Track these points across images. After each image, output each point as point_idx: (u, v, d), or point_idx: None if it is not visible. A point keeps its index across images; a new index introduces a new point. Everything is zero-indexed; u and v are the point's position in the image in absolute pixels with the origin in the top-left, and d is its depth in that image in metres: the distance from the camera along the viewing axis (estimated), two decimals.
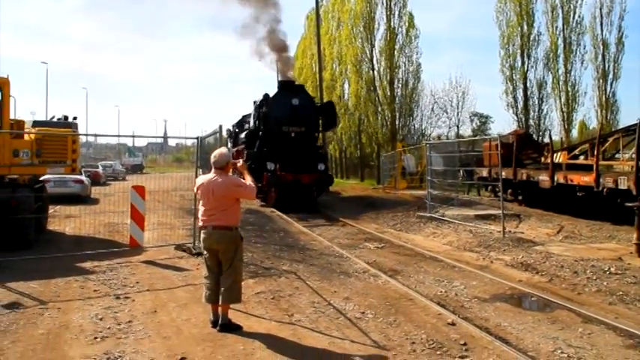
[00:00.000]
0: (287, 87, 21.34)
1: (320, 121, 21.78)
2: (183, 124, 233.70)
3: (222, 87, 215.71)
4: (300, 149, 20.05)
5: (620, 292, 7.61)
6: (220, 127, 9.68)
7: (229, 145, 28.35)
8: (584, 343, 5.65)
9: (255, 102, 23.72)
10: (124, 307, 6.34)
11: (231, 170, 6.14)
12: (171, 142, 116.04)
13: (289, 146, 19.87)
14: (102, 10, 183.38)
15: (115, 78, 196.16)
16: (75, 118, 15.63)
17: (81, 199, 19.62)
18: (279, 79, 24.10)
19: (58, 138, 12.46)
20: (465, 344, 5.38)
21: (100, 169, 32.02)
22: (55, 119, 15.61)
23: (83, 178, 20.72)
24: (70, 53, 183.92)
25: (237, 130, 27.76)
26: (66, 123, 14.99)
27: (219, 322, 5.59)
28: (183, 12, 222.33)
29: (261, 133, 20.66)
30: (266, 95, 20.63)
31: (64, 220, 13.77)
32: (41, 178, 11.32)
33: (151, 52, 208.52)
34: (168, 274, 8.13)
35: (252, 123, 22.11)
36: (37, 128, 13.35)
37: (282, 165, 19.16)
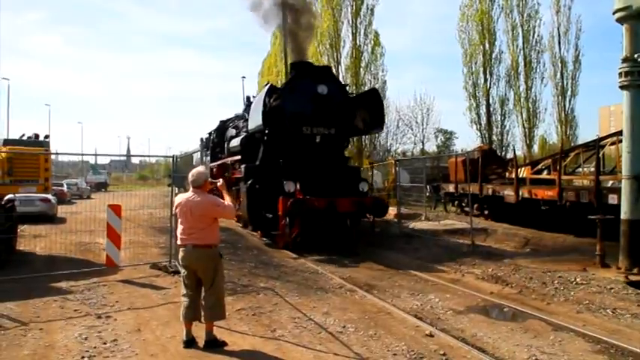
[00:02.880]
0: (308, 69, 14.57)
1: (356, 119, 15.30)
2: (147, 141, 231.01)
3: (186, 104, 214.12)
4: (329, 160, 14.13)
5: (587, 301, 7.95)
6: (201, 145, 9.70)
7: (207, 158, 23.68)
8: (557, 350, 5.92)
9: (248, 98, 19.48)
10: (107, 327, 6.37)
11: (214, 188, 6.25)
12: (134, 160, 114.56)
13: (313, 156, 13.87)
14: (63, 25, 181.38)
15: (77, 94, 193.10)
16: (47, 137, 15.50)
17: (48, 218, 19.30)
18: (292, 59, 16.13)
19: (30, 157, 12.36)
20: (444, 354, 5.61)
21: (64, 188, 31.46)
22: (25, 137, 15.44)
23: (50, 196, 20.37)
24: (31, 69, 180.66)
25: (216, 140, 22.21)
26: (37, 142, 14.85)
27: (205, 338, 5.68)
28: (147, 28, 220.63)
29: (266, 137, 14.45)
30: (272, 86, 14.94)
31: (33, 240, 13.57)
32: (6, 198, 11.16)
33: (113, 68, 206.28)
34: (147, 293, 8.15)
35: (250, 124, 15.02)
36: (8, 147, 13.22)
37: (303, 184, 12.98)
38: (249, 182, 13.25)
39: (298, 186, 12.90)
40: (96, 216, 13.33)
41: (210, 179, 6.34)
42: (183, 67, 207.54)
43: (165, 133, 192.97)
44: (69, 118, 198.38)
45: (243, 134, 16.71)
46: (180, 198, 6.05)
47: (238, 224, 16.89)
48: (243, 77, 45.54)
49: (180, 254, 5.90)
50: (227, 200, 6.14)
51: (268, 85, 14.86)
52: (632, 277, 9.23)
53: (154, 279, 9.15)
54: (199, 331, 5.78)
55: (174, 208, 6.57)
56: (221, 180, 7.01)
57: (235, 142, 17.06)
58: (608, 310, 7.53)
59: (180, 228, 5.91)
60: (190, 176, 5.95)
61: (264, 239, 14.26)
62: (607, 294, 8.39)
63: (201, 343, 5.69)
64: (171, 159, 11.59)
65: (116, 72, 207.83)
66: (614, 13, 10.35)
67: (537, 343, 6.13)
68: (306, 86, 14.00)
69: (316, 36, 37.93)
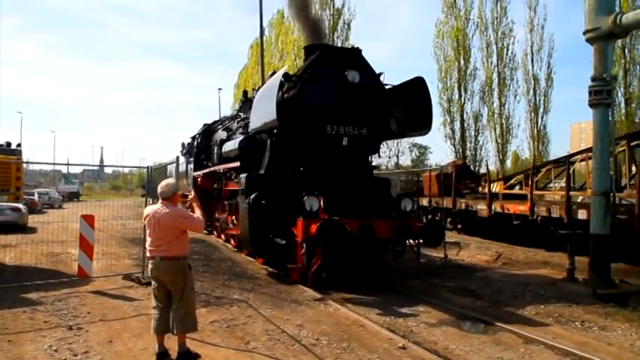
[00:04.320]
0: (332, 52, 11.52)
1: (394, 118, 12.29)
2: (121, 151, 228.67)
3: (161, 114, 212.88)
4: (356, 169, 11.41)
5: (557, 314, 8.10)
6: (177, 157, 9.69)
7: (190, 166, 20.70)
8: None
9: (245, 92, 17.30)
10: (77, 338, 6.29)
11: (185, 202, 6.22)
12: (108, 169, 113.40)
13: (337, 164, 11.02)
14: (40, 32, 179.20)
15: (51, 102, 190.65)
16: (19, 145, 15.28)
17: (18, 227, 18.95)
18: (306, 42, 12.54)
19: (2, 165, 12.18)
20: None
21: (35, 197, 30.96)
22: None
23: (20, 206, 20.02)
24: (5, 75, 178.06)
25: (201, 145, 19.28)
26: (9, 150, 14.62)
27: (178, 350, 5.64)
28: (125, 37, 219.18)
29: (274, 139, 11.37)
30: (286, 73, 11.20)
31: (3, 250, 13.33)
32: None
33: (89, 77, 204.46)
34: (119, 304, 8.06)
35: (254, 123, 11.65)
36: None
37: (326, 201, 9.94)
38: (253, 197, 10.17)
39: (321, 203, 9.84)
40: (68, 226, 13.17)
41: (181, 192, 6.35)
42: (158, 78, 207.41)
43: (139, 143, 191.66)
44: (42, 126, 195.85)
45: (238, 136, 13.88)
46: (149, 210, 6.01)
47: (225, 243, 15.44)
48: (220, 89, 45.93)
49: (149, 266, 5.86)
50: (197, 213, 6.14)
51: (282, 70, 11.36)
52: (600, 291, 9.42)
53: (126, 290, 9.06)
54: (172, 344, 5.73)
55: (142, 220, 6.52)
56: (192, 192, 7.02)
57: (231, 146, 13.64)
58: (577, 323, 7.68)
59: (148, 240, 5.87)
60: (159, 188, 5.92)
61: (266, 267, 11.63)
62: (576, 307, 8.57)
63: (174, 355, 5.64)
64: (145, 169, 11.45)
65: (91, 81, 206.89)
66: (584, 34, 10.64)
67: (508, 356, 6.22)
68: (331, 72, 10.88)
69: (294, 50, 38.21)
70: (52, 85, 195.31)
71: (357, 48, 11.43)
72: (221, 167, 14.87)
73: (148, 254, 5.90)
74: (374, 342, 6.55)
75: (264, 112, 10.74)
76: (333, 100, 10.79)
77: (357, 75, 10.74)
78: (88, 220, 9.59)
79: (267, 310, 7.96)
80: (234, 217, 13.79)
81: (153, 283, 5.89)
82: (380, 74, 11.63)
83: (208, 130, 19.31)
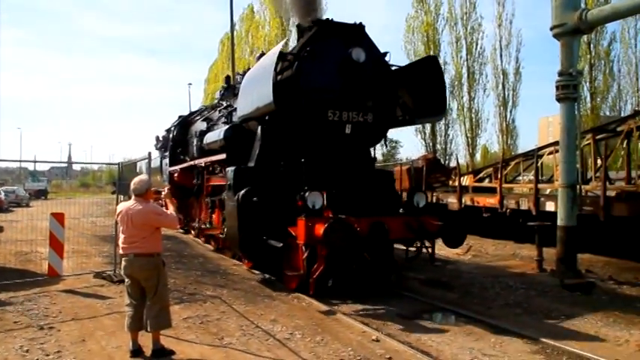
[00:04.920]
0: (333, 27, 9.79)
1: (401, 102, 10.93)
2: (89, 147, 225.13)
3: (130, 110, 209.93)
4: (359, 161, 10.31)
5: (526, 305, 8.31)
6: (149, 154, 9.60)
7: (165, 161, 19.04)
8: (497, 352, 6.16)
9: (227, 78, 16.28)
10: (49, 338, 6.22)
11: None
12: (76, 167, 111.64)
13: (339, 154, 9.81)
14: (2, 26, 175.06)
15: (17, 98, 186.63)
16: None
17: None
18: (299, 19, 10.69)
19: None
20: (390, 358, 5.75)
21: (1, 195, 30.36)
22: None
23: None
24: None
25: (177, 138, 17.87)
26: None
27: (152, 347, 5.63)
28: (92, 31, 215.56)
29: (265, 127, 9.95)
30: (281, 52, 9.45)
31: None
32: None
33: (55, 72, 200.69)
34: (91, 303, 7.97)
35: (242, 109, 10.36)
36: None
37: (329, 197, 8.79)
38: (243, 192, 9.01)
39: (325, 199, 8.62)
40: (36, 224, 12.94)
41: (155, 188, 6.32)
42: (127, 72, 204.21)
43: (108, 139, 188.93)
44: (7, 122, 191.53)
45: (222, 126, 12.65)
46: (122, 206, 6.00)
47: (205, 245, 14.54)
48: (190, 84, 45.16)
49: (123, 263, 5.84)
50: (170, 209, 6.13)
51: (277, 47, 9.49)
52: (567, 281, 9.66)
53: (98, 288, 8.95)
54: (146, 341, 5.72)
55: (115, 217, 6.48)
56: (167, 189, 6.99)
57: (214, 137, 12.34)
58: (544, 312, 7.87)
59: (121, 237, 5.85)
60: (132, 184, 5.90)
61: (256, 273, 10.53)
62: (544, 297, 8.79)
63: (148, 352, 5.64)
64: (115, 166, 11.30)
65: (58, 76, 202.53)
66: (551, 29, 10.85)
67: (479, 346, 6.35)
68: (332, 50, 9.53)
69: (264, 44, 38.08)
70: (17, 81, 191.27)
71: (361, 23, 9.96)
72: (202, 161, 13.51)
73: (120, 251, 5.87)
74: (347, 335, 6.61)
75: (256, 96, 9.36)
76: (334, 81, 9.46)
77: (363, 53, 9.39)
78: (58, 218, 9.45)
79: (241, 306, 7.95)
80: (214, 216, 13.15)
81: (126, 280, 5.86)
82: (385, 54, 10.24)
83: (185, 122, 18.11)
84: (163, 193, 6.67)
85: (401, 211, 9.65)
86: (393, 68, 10.60)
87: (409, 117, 11.21)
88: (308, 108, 9.32)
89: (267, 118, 9.73)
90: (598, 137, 14.21)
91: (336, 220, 7.92)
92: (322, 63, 9.45)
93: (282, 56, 9.51)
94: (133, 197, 5.87)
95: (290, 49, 10.45)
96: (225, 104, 13.73)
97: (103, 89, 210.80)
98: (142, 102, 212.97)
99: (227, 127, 11.75)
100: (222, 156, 11.45)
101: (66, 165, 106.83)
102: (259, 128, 10.14)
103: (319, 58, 9.44)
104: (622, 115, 28.57)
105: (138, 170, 18.27)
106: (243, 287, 9.37)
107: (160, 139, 20.54)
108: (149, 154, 9.98)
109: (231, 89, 14.46)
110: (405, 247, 9.75)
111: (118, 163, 10.90)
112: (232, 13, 26.86)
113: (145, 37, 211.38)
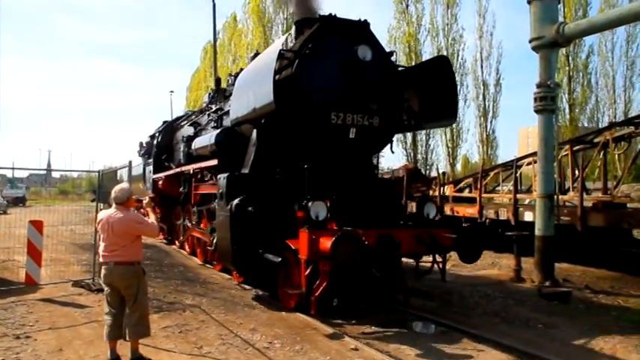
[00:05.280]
0: (336, 24, 9.18)
1: (406, 105, 10.09)
2: (69, 155, 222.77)
3: (111, 117, 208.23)
4: (364, 169, 9.85)
5: (504, 314, 8.38)
6: (130, 162, 9.53)
7: (148, 168, 17.99)
8: None
9: (217, 80, 15.64)
10: (26, 347, 6.13)
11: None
12: (55, 174, 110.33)
13: (342, 161, 9.19)
14: None
15: None
16: None
17: None
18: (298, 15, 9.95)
19: None
20: None
21: None
22: None
23: None
24: None
25: (161, 144, 17.31)
26: None
27: (130, 357, 5.59)
28: (72, 36, 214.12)
29: (261, 130, 9.30)
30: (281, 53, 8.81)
31: None
32: None
33: (34, 78, 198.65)
34: (69, 312, 7.88)
35: (236, 110, 9.71)
36: None
37: (334, 207, 8.00)
38: (237, 202, 8.31)
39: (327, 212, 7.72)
40: (14, 232, 12.77)
41: (136, 196, 6.30)
42: (108, 79, 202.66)
43: (89, 146, 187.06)
44: None
45: (211, 131, 12.10)
46: (102, 214, 5.98)
47: (191, 258, 13.67)
48: (172, 91, 44.95)
49: (102, 272, 5.80)
50: (151, 218, 6.12)
51: (278, 42, 9.48)
52: (545, 290, 9.77)
53: (76, 297, 8.85)
54: (125, 350, 5.67)
55: (95, 225, 6.44)
56: (148, 197, 6.95)
57: (204, 141, 11.56)
58: (523, 321, 7.96)
59: (102, 245, 5.82)
60: (113, 192, 5.90)
61: (247, 288, 9.94)
62: (522, 306, 8.88)
63: None
64: (96, 174, 11.17)
65: (37, 82, 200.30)
66: (530, 42, 11.04)
67: (458, 354, 6.39)
68: (336, 48, 8.88)
69: (247, 53, 38.08)
70: None
71: (366, 20, 9.36)
72: (190, 167, 12.78)
73: (101, 259, 5.83)
74: (326, 344, 6.61)
75: (252, 97, 8.70)
76: (338, 81, 8.79)
77: (369, 51, 8.70)
78: (37, 225, 9.35)
79: (221, 315, 7.92)
80: (201, 226, 12.56)
81: (106, 288, 5.82)
82: (391, 53, 9.74)
83: (170, 128, 17.47)
84: (144, 201, 6.65)
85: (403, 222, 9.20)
86: (400, 69, 10.15)
87: (415, 122, 10.41)
88: (309, 110, 8.61)
89: (263, 121, 8.98)
90: (575, 148, 14.42)
91: (344, 233, 7.02)
92: (324, 61, 8.76)
93: (280, 55, 8.69)
94: (113, 205, 5.85)
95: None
96: (214, 107, 13.00)
97: (84, 95, 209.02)
98: (123, 109, 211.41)
99: (218, 130, 11.03)
100: (213, 162, 10.76)
101: (45, 172, 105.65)
102: (254, 132, 9.43)
103: (321, 56, 8.75)
104: (600, 126, 29.02)
105: (118, 178, 18.07)
106: (223, 296, 9.32)
107: (144, 145, 19.63)
108: (130, 162, 9.87)
109: (221, 92, 13.89)
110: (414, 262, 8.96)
111: (99, 171, 10.79)
112: (215, 22, 26.81)
113: (127, 44, 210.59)
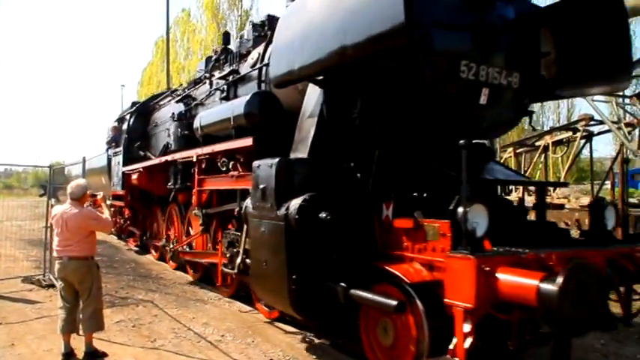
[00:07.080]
0: None
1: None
2: (13, 148, 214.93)
3: (58, 110, 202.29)
4: (482, 155, 6.29)
5: None
6: (84, 158, 9.52)
7: (116, 159, 14.80)
8: None
9: (227, 34, 10.71)
10: None
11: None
12: None
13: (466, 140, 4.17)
14: None
15: None
16: None
17: None
18: None
19: None
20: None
21: None
22: None
23: None
24: None
25: (133, 129, 14.30)
26: None
27: (84, 350, 5.72)
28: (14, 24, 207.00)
29: (328, 94, 5.77)
30: None
31: None
32: None
33: None
34: (19, 307, 7.89)
35: (292, 62, 5.45)
36: None
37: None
38: (301, 202, 4.99)
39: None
40: None
41: (90, 192, 6.41)
42: (55, 70, 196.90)
43: (34, 141, 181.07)
44: None
45: (218, 103, 9.17)
46: (57, 210, 6.10)
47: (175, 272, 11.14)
48: (123, 85, 44.41)
49: (57, 266, 5.90)
50: (105, 213, 6.24)
51: None
52: None
53: (26, 293, 8.83)
54: (78, 344, 5.79)
55: (50, 220, 6.52)
56: (102, 193, 7.06)
57: (222, 113, 8.01)
58: None
59: (56, 240, 5.93)
60: (69, 188, 6.01)
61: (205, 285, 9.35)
62: None
63: (80, 355, 5.71)
64: (47, 169, 11.02)
65: None
66: None
67: None
68: None
69: (201, 49, 37.88)
70: None
71: None
72: (192, 154, 9.09)
73: (55, 254, 5.93)
74: (278, 337, 6.83)
75: (342, 29, 4.80)
76: (465, 16, 5.24)
77: None
78: None
79: (173, 310, 8.06)
80: (205, 236, 9.54)
81: (60, 283, 5.93)
82: None
83: (144, 109, 14.35)
84: (98, 196, 6.75)
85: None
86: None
87: (556, 80, 6.24)
88: (426, 55, 4.96)
89: (323, 78, 5.73)
90: (518, 150, 15.09)
91: (578, 265, 3.80)
92: None
93: None
94: (68, 200, 5.95)
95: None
96: (222, 73, 9.42)
97: (27, 88, 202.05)
98: (69, 103, 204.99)
99: (249, 96, 7.27)
100: (243, 142, 7.17)
101: None
102: (317, 94, 5.93)
103: None
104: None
105: (66, 173, 17.71)
106: (175, 292, 9.46)
107: (112, 130, 16.22)
108: (83, 158, 9.81)
109: (230, 54, 9.70)
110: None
111: (50, 166, 10.71)
112: (168, 17, 26.66)
113: (74, 35, 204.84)
